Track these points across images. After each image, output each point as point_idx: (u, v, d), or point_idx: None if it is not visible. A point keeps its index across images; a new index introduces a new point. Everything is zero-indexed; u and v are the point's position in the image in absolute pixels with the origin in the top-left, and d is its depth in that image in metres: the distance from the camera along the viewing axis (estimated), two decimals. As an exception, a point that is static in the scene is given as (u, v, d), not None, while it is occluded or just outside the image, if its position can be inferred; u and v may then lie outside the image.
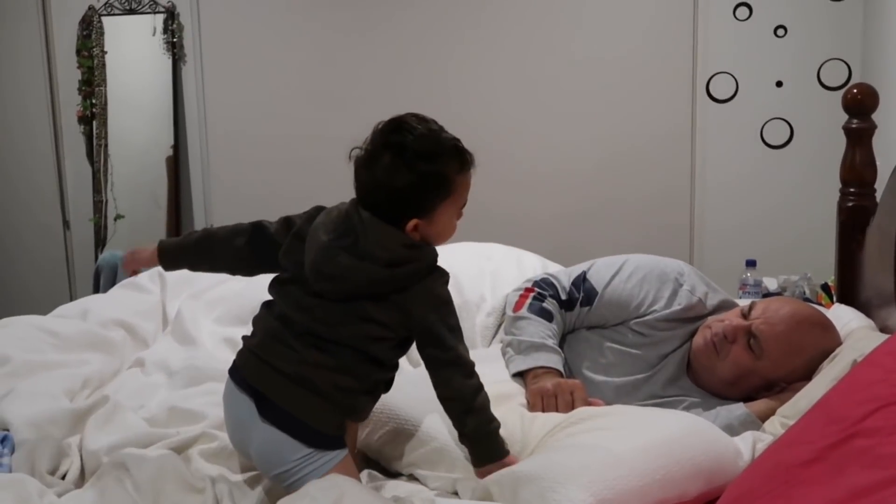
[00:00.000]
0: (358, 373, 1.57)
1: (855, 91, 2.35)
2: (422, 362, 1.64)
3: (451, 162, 1.61)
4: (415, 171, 1.55)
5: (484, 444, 1.59)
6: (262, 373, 1.58)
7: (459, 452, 1.63)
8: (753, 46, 3.75)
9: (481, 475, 1.56)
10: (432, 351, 1.60)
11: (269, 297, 1.66)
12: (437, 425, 1.69)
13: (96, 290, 3.88)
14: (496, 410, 1.63)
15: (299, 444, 1.54)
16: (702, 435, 1.56)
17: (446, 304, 1.62)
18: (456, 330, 1.62)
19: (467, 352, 1.63)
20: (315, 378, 1.54)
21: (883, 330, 2.01)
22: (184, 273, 2.02)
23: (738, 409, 1.84)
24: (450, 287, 2.29)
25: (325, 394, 1.55)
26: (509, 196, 4.00)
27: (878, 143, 2.41)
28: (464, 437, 1.60)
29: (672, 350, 2.00)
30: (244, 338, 1.65)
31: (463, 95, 4.02)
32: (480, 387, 1.61)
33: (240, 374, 1.61)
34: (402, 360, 2.11)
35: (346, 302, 1.56)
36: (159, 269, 2.57)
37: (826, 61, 3.68)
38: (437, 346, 1.59)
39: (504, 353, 1.99)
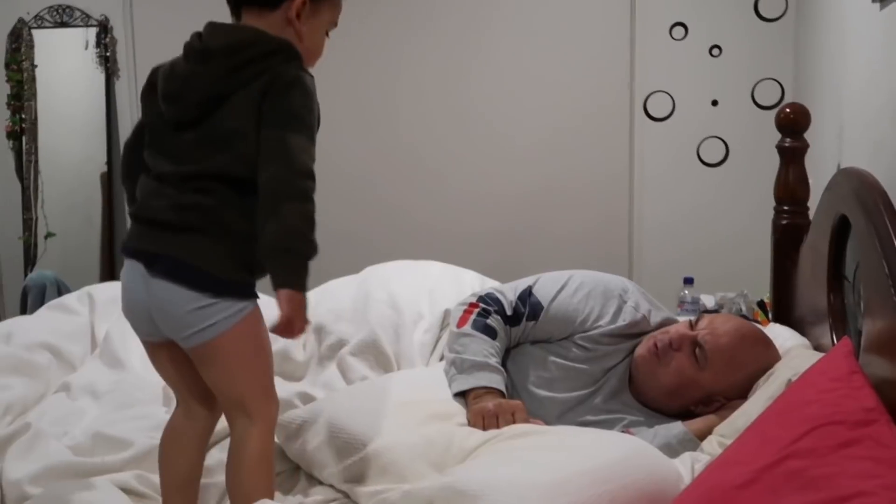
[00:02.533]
0: (242, 206, 1.50)
1: (788, 110, 2.39)
2: (359, 378, 1.61)
3: None
4: None
5: (288, 259, 1.46)
6: (145, 232, 1.54)
7: (392, 459, 1.61)
8: (689, 65, 3.80)
9: (281, 296, 1.46)
10: (266, 130, 1.49)
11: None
12: (370, 430, 1.68)
13: (24, 310, 3.77)
14: (433, 428, 1.61)
15: (194, 292, 1.48)
16: (645, 458, 1.56)
17: (306, 94, 1.51)
18: (303, 120, 1.50)
19: (311, 154, 1.50)
20: (197, 219, 1.50)
21: (817, 348, 2.03)
22: (114, 293, 1.97)
23: (677, 428, 1.85)
24: (386, 304, 2.28)
25: (212, 233, 1.49)
26: (447, 213, 3.99)
27: (811, 161, 2.44)
28: (266, 247, 1.46)
29: (615, 364, 2.01)
30: (129, 212, 1.62)
31: (401, 112, 4.00)
32: (306, 195, 1.47)
33: (130, 246, 1.57)
34: (336, 377, 2.10)
35: (201, 124, 1.52)
36: (88, 289, 2.53)
37: (760, 81, 3.75)
38: (271, 123, 1.49)
39: (446, 372, 1.97)
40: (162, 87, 1.57)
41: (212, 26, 1.58)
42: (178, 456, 1.63)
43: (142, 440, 1.77)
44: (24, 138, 4.26)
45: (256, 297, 1.55)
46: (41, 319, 2.41)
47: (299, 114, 1.49)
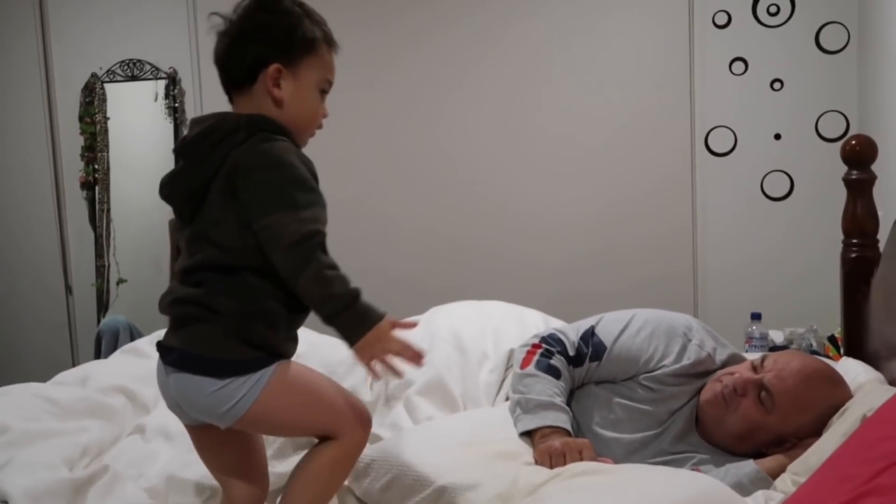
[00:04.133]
0: (229, 287, 1.51)
1: (853, 142, 2.36)
2: (425, 418, 1.61)
3: (315, 27, 1.60)
4: (275, 13, 1.57)
5: (335, 323, 1.48)
6: (167, 329, 1.60)
7: (459, 495, 1.61)
8: (750, 100, 3.77)
9: (358, 358, 1.49)
10: (253, 224, 1.48)
11: None
12: (436, 470, 1.68)
13: (97, 355, 3.87)
14: (500, 466, 1.60)
15: (206, 378, 1.50)
16: (718, 497, 1.53)
17: (271, 166, 1.49)
18: (278, 195, 1.47)
19: (295, 218, 1.46)
20: (191, 309, 1.52)
21: (892, 383, 1.98)
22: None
23: (748, 466, 1.82)
24: (451, 345, 2.29)
25: (207, 319, 1.51)
26: (512, 243, 4.01)
27: (879, 193, 2.41)
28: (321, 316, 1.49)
29: (681, 405, 1.98)
30: None
31: (465, 150, 4.04)
32: (303, 262, 1.45)
33: (158, 342, 1.62)
34: (403, 417, 2.11)
35: (195, 218, 1.55)
36: (160, 333, 2.58)
37: (823, 113, 3.71)
38: (253, 215, 1.47)
39: (512, 412, 1.97)
40: (161, 195, 1.63)
41: (192, 121, 1.62)
42: None
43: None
44: (96, 188, 4.41)
45: (273, 360, 1.54)
46: (115, 363, 2.47)
47: (272, 192, 1.48)
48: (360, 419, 1.62)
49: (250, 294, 1.51)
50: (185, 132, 1.62)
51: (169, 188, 1.61)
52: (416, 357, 1.54)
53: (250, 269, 1.51)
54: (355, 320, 1.48)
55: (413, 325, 1.59)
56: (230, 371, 1.51)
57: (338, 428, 1.58)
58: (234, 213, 1.50)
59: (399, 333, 1.52)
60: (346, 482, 1.84)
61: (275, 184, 1.48)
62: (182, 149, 1.59)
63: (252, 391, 1.51)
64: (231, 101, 1.63)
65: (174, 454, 2.01)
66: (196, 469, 1.87)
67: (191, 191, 1.55)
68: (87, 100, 4.40)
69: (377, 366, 1.51)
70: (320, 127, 1.65)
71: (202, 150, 1.53)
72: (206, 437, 1.63)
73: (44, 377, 2.41)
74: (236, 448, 1.64)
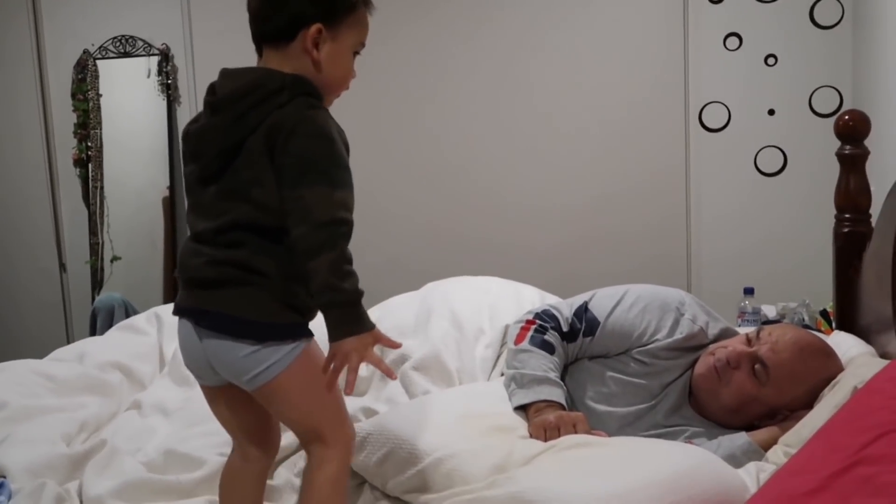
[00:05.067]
0: (274, 252, 1.49)
1: (847, 118, 2.36)
2: (421, 393, 1.61)
3: None
4: None
5: (328, 313, 1.46)
6: (188, 291, 1.56)
7: (455, 465, 1.63)
8: (745, 75, 3.77)
9: (334, 350, 1.47)
10: (283, 191, 1.45)
11: None
12: (431, 443, 1.70)
13: (93, 332, 3.88)
14: (495, 439, 1.62)
15: (243, 342, 1.49)
16: (710, 468, 1.55)
17: (314, 135, 1.46)
18: (316, 166, 1.45)
19: (331, 200, 1.44)
20: (233, 271, 1.49)
21: (883, 356, 2.00)
22: (181, 313, 2.01)
23: (741, 438, 1.84)
24: (448, 320, 2.30)
25: (251, 282, 1.49)
26: (506, 228, 4.01)
27: (872, 168, 2.41)
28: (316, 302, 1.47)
29: (674, 379, 2.00)
30: (176, 270, 1.63)
31: (456, 133, 4.03)
32: (329, 244, 1.43)
33: (178, 305, 1.59)
34: (399, 392, 2.13)
35: (223, 176, 1.51)
36: (156, 310, 2.60)
37: (817, 89, 3.71)
38: (286, 182, 1.45)
39: (507, 387, 1.98)
40: (184, 148, 1.60)
41: (223, 73, 1.57)
42: (238, 497, 1.66)
43: (212, 458, 1.81)
44: (90, 165, 4.39)
45: (309, 334, 1.55)
46: (112, 340, 2.48)
47: (311, 162, 1.45)
48: (349, 420, 1.62)
49: (289, 257, 1.49)
50: (213, 84, 1.56)
51: (196, 141, 1.56)
52: (388, 372, 1.54)
53: (288, 232, 1.47)
54: (348, 320, 1.46)
55: (397, 345, 1.58)
56: (268, 336, 1.50)
57: (330, 431, 1.56)
58: (273, 176, 1.47)
59: (377, 349, 1.51)
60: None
61: (315, 154, 1.45)
62: (217, 102, 1.53)
63: (284, 359, 1.50)
64: (260, 52, 1.58)
65: (172, 429, 2.02)
66: (194, 443, 1.89)
67: (223, 147, 1.50)
68: (80, 77, 4.38)
69: (339, 363, 1.48)
70: (347, 88, 1.61)
71: (241, 106, 1.49)
72: (231, 398, 1.62)
73: (39, 355, 2.42)
74: (258, 409, 1.62)
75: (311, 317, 1.56)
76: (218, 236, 1.51)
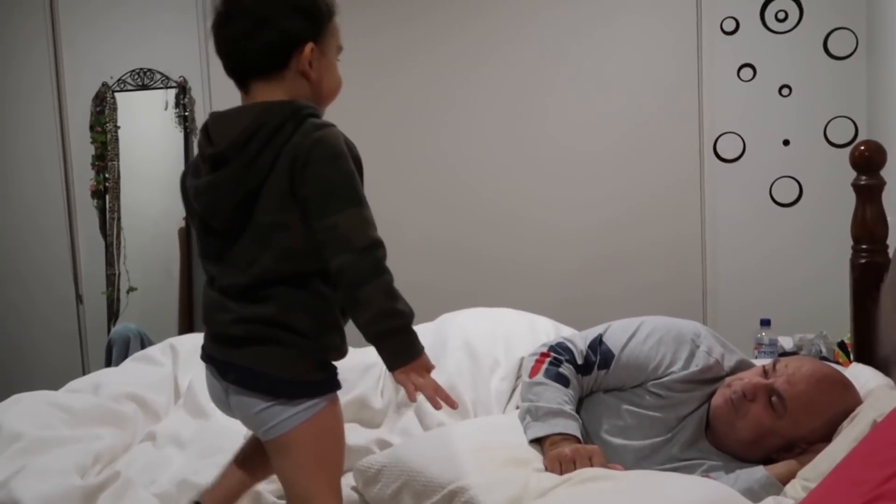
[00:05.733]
0: (304, 303, 1.45)
1: (862, 148, 2.36)
2: (436, 425, 1.60)
3: None
4: None
5: (387, 341, 1.43)
6: (215, 343, 1.53)
7: (471, 497, 1.61)
8: (759, 106, 3.77)
9: (398, 379, 1.44)
10: (314, 222, 1.40)
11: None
12: (446, 474, 1.69)
13: (108, 363, 3.89)
14: (510, 471, 1.61)
15: (259, 398, 1.47)
16: (727, 502, 1.53)
17: (331, 158, 1.40)
18: (341, 190, 1.39)
19: (363, 221, 1.40)
20: (263, 330, 1.45)
21: (902, 388, 1.98)
22: (195, 344, 2.02)
23: (759, 472, 1.82)
24: (463, 352, 2.29)
25: (281, 340, 1.45)
26: (521, 251, 4.01)
27: (889, 198, 2.40)
28: (365, 335, 1.43)
29: (690, 412, 1.98)
30: (202, 316, 1.60)
31: (473, 155, 4.05)
32: (377, 269, 1.40)
33: (205, 352, 1.57)
34: (413, 424, 2.12)
35: (243, 226, 1.45)
36: (171, 341, 2.60)
37: (832, 119, 3.70)
38: (316, 213, 1.40)
39: (522, 420, 1.97)
40: (196, 205, 1.52)
41: (215, 117, 1.51)
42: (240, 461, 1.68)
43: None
44: (107, 197, 4.43)
45: (334, 389, 1.52)
46: (127, 371, 2.48)
47: (335, 187, 1.40)
48: (340, 495, 1.59)
49: (324, 305, 1.46)
50: (207, 133, 1.50)
51: (209, 197, 1.48)
52: (449, 400, 1.48)
53: (319, 275, 1.44)
54: (408, 343, 1.43)
55: (433, 366, 1.52)
56: (296, 394, 1.47)
57: (324, 498, 1.53)
58: (299, 213, 1.42)
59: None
60: (356, 488, 1.85)
61: (334, 177, 1.40)
62: (222, 153, 1.46)
63: (302, 413, 1.47)
64: (242, 87, 1.52)
65: (186, 461, 2.02)
66: (208, 474, 1.89)
67: (241, 194, 1.44)
68: (98, 109, 4.42)
69: (417, 393, 1.45)
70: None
71: (250, 152, 1.42)
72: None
73: (55, 385, 2.43)
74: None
75: (334, 367, 1.53)
76: (245, 294, 1.47)
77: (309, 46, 1.47)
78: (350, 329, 1.51)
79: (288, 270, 1.45)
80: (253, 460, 1.72)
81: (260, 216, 1.44)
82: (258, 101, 1.48)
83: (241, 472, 1.73)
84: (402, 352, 1.43)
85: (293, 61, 1.48)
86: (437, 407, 1.47)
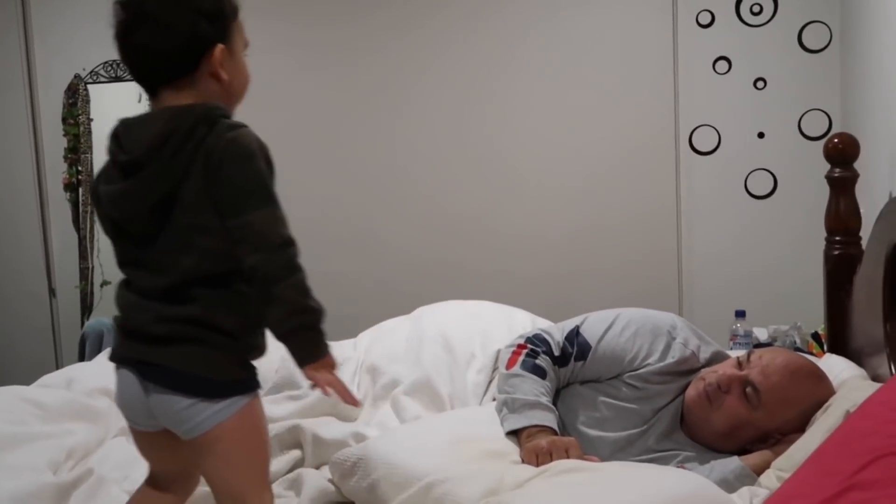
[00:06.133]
0: (228, 302, 1.45)
1: (836, 140, 2.38)
2: (412, 418, 1.60)
3: None
4: None
5: (299, 338, 1.43)
6: (133, 343, 1.51)
7: (448, 489, 1.61)
8: (734, 99, 3.79)
9: (308, 375, 1.45)
10: (227, 221, 1.40)
11: None
12: (423, 467, 1.68)
13: (82, 357, 3.85)
14: (487, 464, 1.61)
15: (182, 397, 1.45)
16: (703, 493, 1.54)
17: (244, 157, 1.40)
18: (253, 189, 1.40)
19: (275, 219, 1.41)
20: (186, 329, 1.44)
21: (874, 379, 2.00)
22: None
23: (733, 463, 1.83)
24: (439, 344, 2.29)
25: (206, 341, 1.45)
26: (498, 256, 4.00)
27: (861, 191, 2.42)
28: (276, 331, 1.44)
29: (666, 403, 1.99)
30: (114, 318, 1.58)
31: (446, 159, 4.03)
32: (290, 267, 1.40)
33: (119, 354, 1.55)
34: (390, 417, 2.12)
35: (162, 229, 1.45)
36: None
37: (806, 112, 3.72)
38: (228, 212, 1.40)
39: (498, 412, 1.97)
40: (104, 210, 1.52)
41: (125, 123, 1.50)
42: None
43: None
44: (80, 190, 4.38)
45: (255, 388, 1.52)
46: (100, 366, 2.45)
47: (248, 185, 1.41)
48: (270, 488, 1.58)
49: (247, 304, 1.46)
50: (118, 139, 1.49)
51: (126, 203, 1.47)
52: (353, 399, 1.50)
53: (240, 274, 1.44)
54: (319, 340, 1.44)
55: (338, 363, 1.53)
56: (219, 394, 1.46)
57: (252, 495, 1.52)
58: (214, 213, 1.43)
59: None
60: (332, 481, 1.85)
61: (248, 176, 1.41)
62: (135, 160, 1.45)
63: (224, 411, 1.46)
64: (151, 94, 1.50)
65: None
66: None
67: (156, 199, 1.44)
68: (71, 101, 4.37)
69: (329, 388, 1.46)
70: None
71: (164, 156, 1.42)
72: (147, 441, 1.60)
73: (27, 380, 2.40)
74: (186, 458, 1.59)
75: (256, 367, 1.53)
76: (167, 294, 1.46)
77: (219, 48, 1.46)
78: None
79: (209, 271, 1.45)
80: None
81: (179, 218, 1.44)
82: (168, 106, 1.48)
83: None
84: (313, 348, 1.44)
85: (203, 65, 1.47)
86: (350, 402, 1.50)
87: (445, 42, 3.99)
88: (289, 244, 1.42)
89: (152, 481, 1.65)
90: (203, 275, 1.45)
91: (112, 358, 1.56)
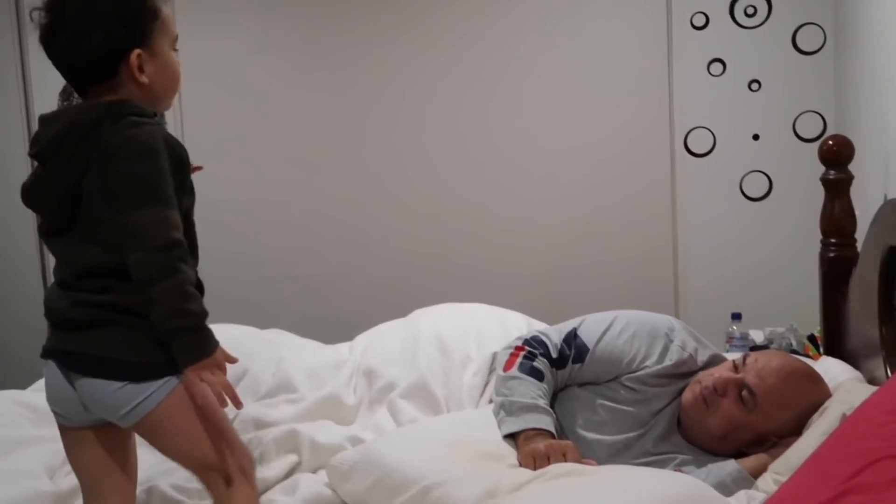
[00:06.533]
0: (138, 291, 1.44)
1: (831, 143, 2.38)
2: (409, 421, 1.59)
3: None
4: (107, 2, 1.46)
5: (178, 340, 1.43)
6: (55, 333, 1.54)
7: (445, 493, 1.61)
8: (729, 101, 3.79)
9: (188, 377, 1.45)
10: (115, 216, 1.42)
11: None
12: (420, 470, 1.69)
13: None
14: (484, 466, 1.60)
15: (109, 381, 1.46)
16: (700, 497, 1.55)
17: (138, 155, 1.41)
18: (143, 187, 1.41)
19: (162, 220, 1.41)
20: (102, 313, 1.46)
21: (870, 381, 2.01)
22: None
23: (730, 466, 1.83)
24: (435, 347, 2.29)
25: (122, 322, 1.46)
26: (493, 255, 3.99)
27: (856, 193, 2.43)
28: (158, 332, 1.44)
29: (663, 406, 1.99)
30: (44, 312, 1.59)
31: (442, 156, 4.03)
32: (169, 269, 1.40)
33: (46, 347, 1.56)
34: (386, 420, 2.11)
35: (72, 222, 1.48)
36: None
37: (801, 114, 3.73)
38: (116, 207, 1.42)
39: (495, 414, 1.97)
40: (25, 203, 1.55)
41: (41, 120, 1.54)
42: None
43: (196, 487, 1.78)
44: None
45: (171, 374, 1.50)
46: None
47: (137, 183, 1.42)
48: (244, 450, 1.58)
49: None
50: (38, 130, 1.53)
51: (34, 194, 1.53)
52: (236, 400, 1.49)
53: None
54: (200, 342, 1.44)
55: (235, 360, 1.53)
56: (142, 376, 1.47)
57: (221, 458, 1.52)
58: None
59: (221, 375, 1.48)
60: (330, 485, 1.85)
61: (142, 174, 1.42)
62: (42, 150, 1.50)
63: (159, 392, 1.47)
64: (83, 95, 1.53)
65: (154, 461, 1.99)
66: (178, 475, 1.87)
67: (62, 192, 1.47)
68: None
69: (206, 390, 1.46)
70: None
71: (66, 148, 1.46)
72: (84, 440, 1.59)
73: (22, 384, 2.40)
74: (120, 453, 1.60)
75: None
76: (80, 282, 1.49)
77: (135, 54, 1.48)
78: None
79: (116, 263, 1.45)
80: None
81: (84, 212, 1.47)
82: (81, 103, 1.52)
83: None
84: (191, 351, 1.44)
85: (122, 69, 1.49)
86: (222, 405, 1.49)
87: (442, 43, 3.98)
88: (171, 246, 1.42)
89: (89, 498, 1.64)
90: (110, 266, 1.46)
91: (42, 353, 1.57)
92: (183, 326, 1.42)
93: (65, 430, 1.62)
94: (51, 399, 1.58)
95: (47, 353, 1.55)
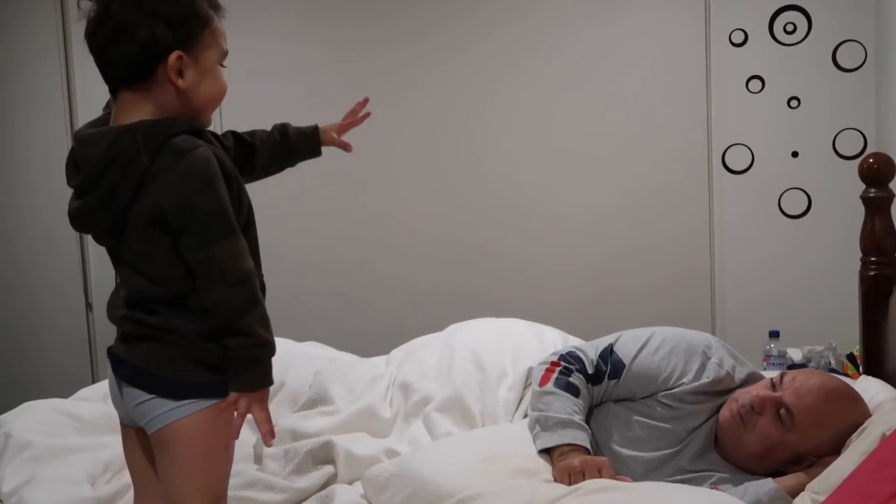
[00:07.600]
0: (186, 316, 1.47)
1: (871, 160, 2.36)
2: (444, 434, 1.60)
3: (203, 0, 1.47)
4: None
5: (252, 368, 1.46)
6: (116, 339, 1.58)
7: None
8: (767, 118, 3.77)
9: (240, 402, 1.47)
10: (188, 254, 1.42)
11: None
12: (454, 483, 1.70)
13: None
14: (518, 482, 1.61)
15: (143, 392, 1.49)
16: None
17: (201, 188, 1.39)
18: (216, 221, 1.40)
19: (238, 252, 1.42)
20: (149, 331, 1.48)
21: (911, 401, 1.98)
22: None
23: (767, 485, 1.81)
24: (470, 362, 2.30)
25: (165, 340, 1.48)
26: (530, 278, 3.98)
27: (898, 211, 2.40)
28: (227, 354, 1.46)
29: (700, 423, 1.98)
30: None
31: (480, 177, 4.03)
32: (252, 301, 1.43)
33: (109, 349, 1.61)
34: (422, 433, 2.12)
35: (120, 248, 1.50)
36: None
37: (841, 131, 3.70)
38: (190, 245, 1.41)
39: (531, 429, 1.97)
40: (77, 229, 1.57)
41: (77, 139, 1.51)
42: None
43: (235, 494, 1.80)
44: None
45: (219, 396, 1.50)
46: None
47: (207, 216, 1.40)
48: None
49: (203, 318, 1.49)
50: (74, 158, 1.52)
51: (81, 222, 1.53)
52: (270, 434, 1.52)
53: (187, 295, 1.47)
54: (265, 373, 1.47)
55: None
56: (180, 394, 1.49)
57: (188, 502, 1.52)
58: (163, 243, 1.44)
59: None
60: (365, 496, 1.86)
61: (207, 209, 1.40)
62: (81, 188, 1.49)
63: (186, 408, 1.49)
64: (116, 96, 1.49)
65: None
66: None
67: (106, 227, 1.49)
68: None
69: (233, 419, 1.50)
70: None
71: (105, 186, 1.44)
72: (135, 439, 1.63)
73: (64, 394, 2.44)
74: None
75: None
76: (132, 305, 1.52)
77: (175, 55, 1.43)
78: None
79: (164, 294, 1.48)
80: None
81: (129, 243, 1.48)
82: (115, 126, 1.46)
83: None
84: (261, 378, 1.48)
85: (160, 71, 1.44)
86: (267, 444, 1.54)
87: (496, 60, 3.97)
88: (249, 276, 1.44)
89: (137, 497, 1.68)
90: (159, 296, 1.49)
91: (107, 352, 1.63)
92: (261, 356, 1.46)
93: (122, 428, 1.67)
94: (111, 396, 1.64)
95: (109, 355, 1.62)
